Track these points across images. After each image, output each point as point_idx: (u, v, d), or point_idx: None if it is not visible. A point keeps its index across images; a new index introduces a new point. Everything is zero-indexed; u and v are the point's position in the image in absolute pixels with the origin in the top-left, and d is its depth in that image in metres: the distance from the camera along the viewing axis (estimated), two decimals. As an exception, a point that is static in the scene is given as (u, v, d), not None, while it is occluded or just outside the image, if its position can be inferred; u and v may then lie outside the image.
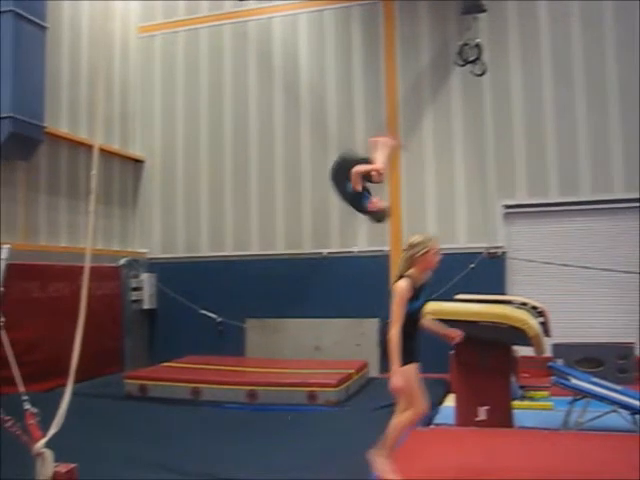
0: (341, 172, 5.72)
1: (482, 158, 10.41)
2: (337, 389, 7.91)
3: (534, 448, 5.27)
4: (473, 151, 10.49)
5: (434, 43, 10.80)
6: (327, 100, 11.33)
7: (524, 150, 10.26)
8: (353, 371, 8.67)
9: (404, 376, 4.41)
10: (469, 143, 10.54)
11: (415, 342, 4.65)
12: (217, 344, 11.08)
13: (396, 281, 4.64)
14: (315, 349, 10.71)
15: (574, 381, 6.59)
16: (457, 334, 5.08)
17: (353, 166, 5.49)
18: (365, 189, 5.56)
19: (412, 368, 4.57)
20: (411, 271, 4.63)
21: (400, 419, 4.63)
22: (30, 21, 9.00)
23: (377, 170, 5.44)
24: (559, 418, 6.62)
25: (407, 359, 4.50)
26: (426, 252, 4.65)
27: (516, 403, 6.99)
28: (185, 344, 10.83)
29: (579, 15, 10.06)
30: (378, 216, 5.60)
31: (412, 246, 4.68)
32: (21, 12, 8.81)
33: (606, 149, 9.84)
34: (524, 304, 7.02)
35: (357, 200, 5.58)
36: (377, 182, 5.56)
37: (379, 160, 5.55)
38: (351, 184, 5.47)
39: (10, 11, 8.72)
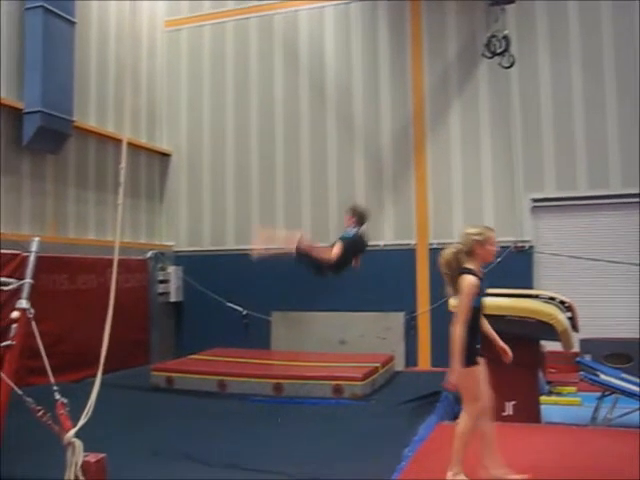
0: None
1: (510, 151, 10.31)
2: (363, 383, 7.88)
3: (562, 444, 5.22)
4: (500, 144, 10.39)
5: (461, 35, 10.70)
6: (353, 93, 11.29)
7: (552, 143, 10.14)
8: (379, 365, 8.64)
9: (471, 377, 4.33)
10: (496, 136, 10.44)
11: (478, 339, 4.48)
12: (243, 337, 11.13)
13: (452, 275, 4.49)
14: (340, 342, 10.70)
15: (603, 377, 6.52)
16: (510, 355, 4.74)
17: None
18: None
19: (479, 369, 4.41)
20: (472, 264, 4.48)
21: (461, 428, 4.47)
22: (59, 16, 9.11)
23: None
24: (587, 414, 6.56)
25: (473, 358, 4.37)
26: (484, 243, 4.52)
27: (543, 398, 6.94)
28: (211, 337, 10.88)
29: (609, 5, 9.90)
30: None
31: (469, 236, 4.53)
32: (50, 7, 8.92)
33: (637, 142, 9.66)
34: (552, 298, 6.95)
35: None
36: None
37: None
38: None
39: (40, 7, 8.83)
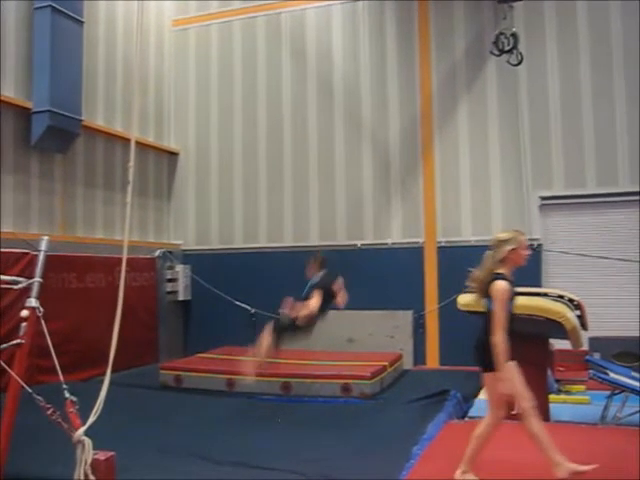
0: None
1: (518, 149, 10.27)
2: (371, 381, 7.88)
3: (570, 443, 5.19)
4: (508, 142, 10.36)
5: (469, 32, 10.67)
6: (361, 91, 11.27)
7: (561, 141, 10.10)
8: (387, 363, 8.64)
9: (513, 377, 4.32)
10: (504, 134, 10.40)
11: (510, 343, 4.43)
12: (251, 335, 11.09)
13: (483, 280, 4.49)
14: (348, 341, 10.70)
15: (612, 375, 6.49)
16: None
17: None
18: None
19: (515, 367, 4.38)
20: (503, 269, 4.49)
21: (480, 430, 4.48)
22: (67, 16, 9.14)
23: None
24: (596, 413, 6.53)
25: (507, 361, 4.34)
26: (516, 248, 4.52)
27: (552, 397, 6.92)
28: (219, 335, 10.89)
29: (617, 3, 9.84)
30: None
31: (502, 243, 4.54)
32: (58, 7, 8.96)
33: (646, 139, 9.64)
34: (561, 297, 6.91)
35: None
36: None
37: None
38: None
39: (48, 6, 8.87)
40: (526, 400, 4.36)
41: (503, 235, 4.61)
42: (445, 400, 7.11)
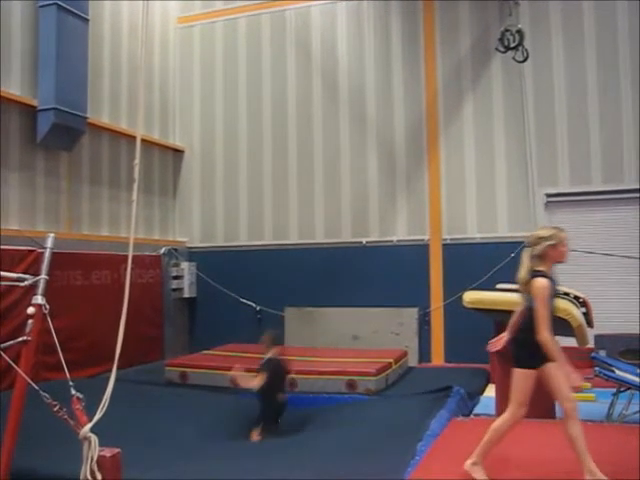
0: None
1: (523, 146, 10.25)
2: (377, 378, 7.88)
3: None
4: (514, 139, 10.34)
5: (474, 29, 10.64)
6: (366, 88, 11.26)
7: (566, 138, 10.08)
8: (392, 360, 8.63)
9: (527, 381, 4.32)
10: (510, 131, 10.38)
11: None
12: (256, 332, 11.09)
13: (525, 278, 4.44)
14: (353, 338, 10.70)
15: (618, 372, 6.47)
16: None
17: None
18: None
19: (557, 368, 4.32)
20: (543, 266, 4.43)
21: (498, 424, 4.46)
22: (72, 13, 9.16)
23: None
24: (602, 410, 6.52)
25: (533, 362, 4.34)
26: (556, 245, 4.46)
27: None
28: (224, 332, 10.90)
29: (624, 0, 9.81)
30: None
31: (541, 240, 4.47)
32: (64, 5, 8.97)
33: (652, 136, 9.60)
34: (566, 294, 6.89)
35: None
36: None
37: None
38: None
39: (53, 4, 8.88)
40: (568, 401, 4.33)
41: (542, 232, 4.55)
42: (448, 397, 7.10)
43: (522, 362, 4.39)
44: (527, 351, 4.36)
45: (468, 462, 4.47)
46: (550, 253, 4.45)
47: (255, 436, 6.20)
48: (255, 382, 6.45)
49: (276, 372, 6.65)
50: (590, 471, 4.28)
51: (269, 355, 6.77)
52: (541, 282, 4.32)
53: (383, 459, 5.08)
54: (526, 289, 4.44)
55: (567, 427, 4.33)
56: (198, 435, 6.16)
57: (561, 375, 4.31)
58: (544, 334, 4.24)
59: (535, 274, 4.39)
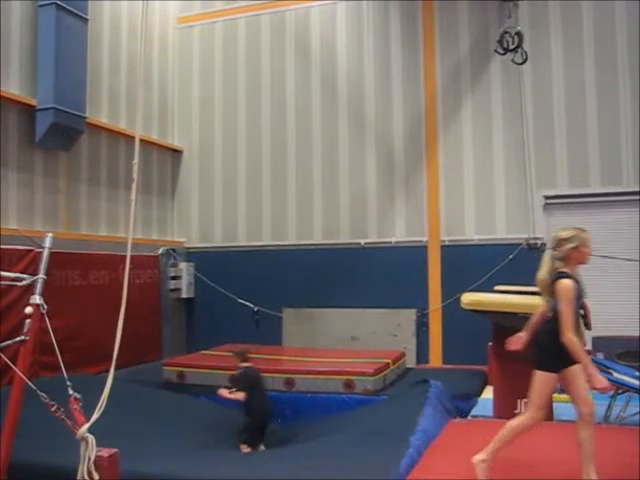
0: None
1: (522, 148, 10.26)
2: (374, 377, 7.90)
3: (574, 442, 5.19)
4: (513, 141, 10.34)
5: (474, 31, 10.65)
6: (365, 90, 11.26)
7: (565, 139, 10.08)
8: (390, 361, 8.65)
9: (547, 383, 4.30)
10: (509, 133, 10.39)
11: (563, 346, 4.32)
12: (254, 333, 11.14)
13: (547, 280, 4.41)
14: (351, 339, 10.71)
15: (616, 375, 6.47)
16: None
17: None
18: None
19: (579, 371, 4.30)
20: (566, 268, 4.40)
21: (515, 423, 4.44)
22: (72, 13, 9.14)
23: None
24: (600, 412, 6.50)
25: (553, 365, 4.31)
26: (579, 246, 4.43)
27: (556, 396, 6.89)
28: (222, 333, 10.91)
29: (623, 2, 9.80)
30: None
31: (564, 241, 4.44)
32: (63, 4, 8.96)
33: (651, 138, 9.61)
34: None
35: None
36: None
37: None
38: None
39: (52, 4, 8.86)
40: (586, 405, 4.32)
41: (564, 233, 4.50)
42: (427, 392, 7.03)
43: (544, 365, 4.34)
44: (550, 354, 4.31)
45: (478, 457, 4.44)
46: (572, 255, 4.42)
47: (245, 449, 6.15)
48: (240, 394, 6.41)
49: (255, 383, 6.62)
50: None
51: (244, 366, 6.73)
52: (566, 283, 4.29)
53: (378, 454, 5.04)
54: (548, 291, 4.41)
55: (579, 430, 4.32)
56: (193, 433, 6.16)
57: (583, 378, 4.29)
58: (568, 335, 4.20)
59: (559, 275, 4.36)
